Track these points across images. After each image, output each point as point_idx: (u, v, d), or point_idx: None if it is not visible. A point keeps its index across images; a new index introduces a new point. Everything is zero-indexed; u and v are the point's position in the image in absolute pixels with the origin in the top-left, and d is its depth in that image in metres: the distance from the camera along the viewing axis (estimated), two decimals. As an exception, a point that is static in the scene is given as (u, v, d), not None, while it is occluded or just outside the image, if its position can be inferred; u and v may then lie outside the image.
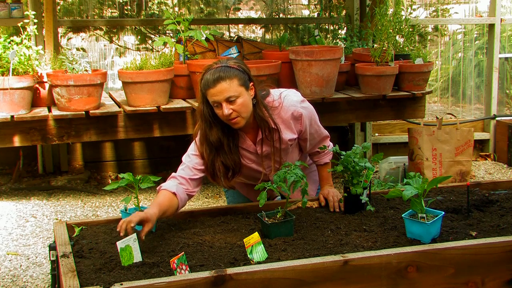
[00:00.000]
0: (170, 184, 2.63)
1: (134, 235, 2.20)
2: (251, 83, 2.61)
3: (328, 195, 2.81)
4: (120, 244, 2.17)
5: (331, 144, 2.94)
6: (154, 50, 5.82)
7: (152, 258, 2.21)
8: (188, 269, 2.06)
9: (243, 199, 3.17)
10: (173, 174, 2.70)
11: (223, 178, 2.69)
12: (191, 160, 2.70)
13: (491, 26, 5.86)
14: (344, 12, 5.81)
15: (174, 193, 2.58)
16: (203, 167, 2.69)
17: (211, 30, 4.33)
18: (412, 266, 2.15)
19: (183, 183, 2.65)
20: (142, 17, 5.97)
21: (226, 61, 2.59)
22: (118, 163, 5.43)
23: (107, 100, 4.36)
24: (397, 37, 4.52)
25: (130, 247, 2.17)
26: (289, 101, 2.75)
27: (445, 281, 2.19)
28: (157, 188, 2.65)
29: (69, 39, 5.84)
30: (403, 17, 4.48)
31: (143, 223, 2.34)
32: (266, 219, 2.45)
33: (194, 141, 2.74)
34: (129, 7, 6.02)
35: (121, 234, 2.27)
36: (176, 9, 6.03)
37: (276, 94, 2.76)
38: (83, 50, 5.70)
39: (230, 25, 6.16)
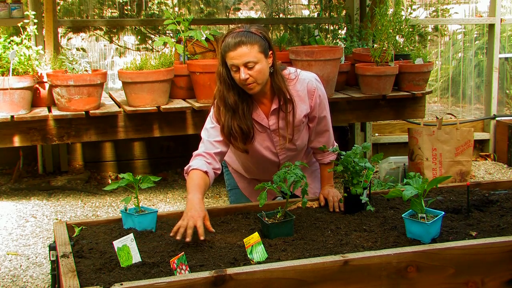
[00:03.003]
0: (200, 163, 2.63)
1: (131, 235, 2.20)
2: (270, 52, 2.65)
3: (328, 195, 2.81)
4: (117, 244, 2.15)
5: (336, 144, 2.95)
6: (154, 50, 5.82)
7: (152, 258, 2.21)
8: (188, 269, 2.06)
9: (246, 199, 3.17)
10: (196, 152, 2.70)
11: (240, 140, 2.72)
12: (210, 134, 2.72)
13: (491, 26, 5.86)
14: (344, 12, 5.81)
15: (206, 172, 2.60)
16: (221, 139, 2.72)
17: (211, 30, 4.33)
18: (412, 266, 2.15)
19: (209, 160, 2.66)
20: (142, 17, 5.97)
21: (249, 27, 2.63)
22: (118, 163, 5.43)
23: (107, 100, 4.36)
24: (397, 37, 4.52)
25: (128, 247, 2.16)
26: (305, 74, 2.82)
27: (445, 281, 2.19)
28: (185, 169, 2.65)
29: (69, 39, 5.84)
30: (403, 17, 4.48)
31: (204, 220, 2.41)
32: (266, 219, 2.45)
33: (210, 111, 2.77)
34: (129, 7, 6.02)
35: (178, 238, 2.32)
36: (176, 9, 6.03)
37: (293, 69, 2.83)
38: (83, 50, 5.70)
39: (230, 25, 6.15)
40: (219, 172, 2.72)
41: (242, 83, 2.61)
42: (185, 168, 2.66)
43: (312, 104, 2.80)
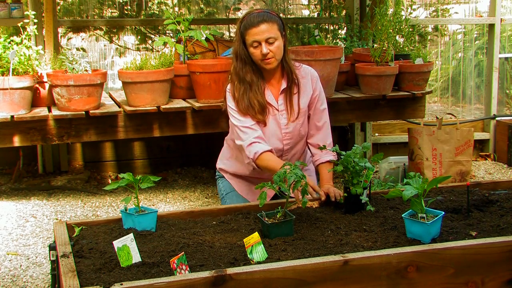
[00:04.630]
0: (262, 146, 2.96)
1: (131, 235, 2.20)
2: (284, 32, 3.00)
3: (329, 190, 2.81)
4: (117, 244, 2.16)
5: (336, 147, 2.96)
6: (154, 50, 5.82)
7: (152, 258, 2.21)
8: (188, 269, 2.06)
9: (243, 200, 3.17)
10: (247, 141, 2.97)
11: (257, 111, 2.96)
12: (242, 122, 3.01)
13: (491, 26, 5.86)
14: (344, 12, 5.81)
15: (271, 150, 2.97)
16: (253, 123, 3.01)
17: (211, 30, 4.33)
18: (412, 266, 2.15)
19: (261, 141, 2.99)
20: (142, 17, 5.97)
21: (266, 9, 2.97)
22: (118, 163, 5.43)
23: (107, 100, 4.36)
24: (397, 37, 4.52)
25: (128, 247, 2.16)
26: (307, 67, 3.20)
27: (445, 281, 2.19)
28: (253, 157, 2.94)
29: (69, 39, 5.84)
30: (403, 17, 4.48)
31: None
32: (266, 219, 2.45)
33: (228, 101, 3.05)
34: (129, 7, 6.02)
35: (299, 204, 2.63)
36: (176, 9, 6.03)
37: (297, 62, 3.22)
38: (83, 50, 5.70)
39: (230, 25, 6.16)
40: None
41: (261, 58, 2.88)
42: (251, 156, 2.95)
43: (313, 87, 3.08)
